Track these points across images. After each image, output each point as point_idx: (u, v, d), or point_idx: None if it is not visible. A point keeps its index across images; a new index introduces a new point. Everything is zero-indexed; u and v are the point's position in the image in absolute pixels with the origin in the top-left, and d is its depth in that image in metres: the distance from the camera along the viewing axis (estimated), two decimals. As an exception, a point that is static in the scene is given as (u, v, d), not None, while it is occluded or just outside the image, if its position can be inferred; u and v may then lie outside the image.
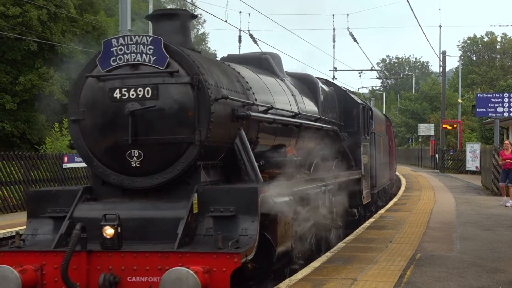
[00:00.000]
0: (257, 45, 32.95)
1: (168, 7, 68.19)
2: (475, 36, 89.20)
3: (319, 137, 14.01)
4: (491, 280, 8.92)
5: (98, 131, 8.90)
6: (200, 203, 8.47)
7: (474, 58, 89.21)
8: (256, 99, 10.50)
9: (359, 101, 16.88)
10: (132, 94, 8.65)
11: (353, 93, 18.34)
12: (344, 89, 17.40)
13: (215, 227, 8.37)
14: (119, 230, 8.01)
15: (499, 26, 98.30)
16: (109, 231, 8.00)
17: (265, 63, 12.79)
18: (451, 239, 12.64)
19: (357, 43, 41.70)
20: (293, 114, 12.07)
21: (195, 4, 64.79)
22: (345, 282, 8.74)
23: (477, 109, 35.78)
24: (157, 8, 57.48)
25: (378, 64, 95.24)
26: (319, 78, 15.57)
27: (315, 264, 10.14)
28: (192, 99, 8.61)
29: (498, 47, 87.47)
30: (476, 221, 15.91)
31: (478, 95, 35.58)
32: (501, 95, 32.94)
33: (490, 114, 33.98)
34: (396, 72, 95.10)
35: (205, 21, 72.45)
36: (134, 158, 8.71)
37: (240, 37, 34.90)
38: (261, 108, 10.57)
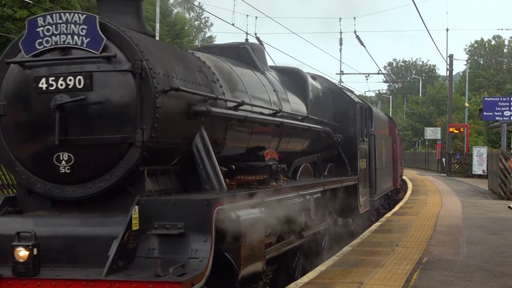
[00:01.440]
0: (264, 48, 31.46)
1: (175, 10, 66.91)
2: (482, 39, 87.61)
3: (307, 138, 12.21)
4: (497, 284, 8.78)
5: (21, 129, 7.13)
6: (142, 218, 6.71)
7: (481, 62, 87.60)
8: (224, 93, 8.71)
9: (356, 99, 15.03)
10: (61, 84, 6.88)
11: (350, 91, 16.39)
12: (340, 86, 15.52)
13: (159, 248, 6.64)
14: (34, 252, 6.25)
15: (507, 29, 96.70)
16: (22, 253, 6.24)
17: (243, 54, 10.98)
18: (458, 243, 12.44)
19: (364, 46, 40.98)
20: (273, 111, 10.25)
21: (203, 7, 63.52)
22: (352, 286, 8.59)
23: (484, 113, 35.44)
24: (164, 11, 56.15)
25: (385, 67, 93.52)
26: (311, 74, 13.73)
27: (321, 267, 9.87)
28: (134, 90, 6.84)
29: (505, 50, 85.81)
30: (482, 225, 15.64)
31: (485, 98, 35.08)
32: (508, 98, 32.59)
33: (497, 118, 33.73)
34: (403, 75, 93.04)
35: (212, 24, 71.05)
36: (63, 162, 6.94)
37: (247, 40, 33.21)
38: (230, 104, 8.78)
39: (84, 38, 6.88)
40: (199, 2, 68.66)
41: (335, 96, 14.50)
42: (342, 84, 43.13)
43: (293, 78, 12.36)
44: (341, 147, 14.15)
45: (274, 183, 8.97)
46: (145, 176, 7.00)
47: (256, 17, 41.93)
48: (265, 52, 12.05)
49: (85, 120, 6.86)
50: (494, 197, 25.78)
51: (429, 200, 23.37)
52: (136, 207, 6.68)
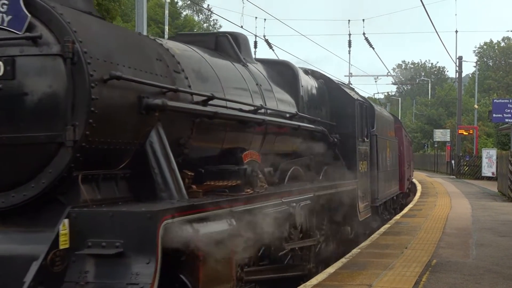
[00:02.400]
0: (273, 50, 31.45)
1: (184, 13, 65.63)
2: (491, 41, 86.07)
3: (298, 139, 10.82)
4: (507, 286, 8.61)
5: None
6: (74, 234, 5.35)
7: (491, 64, 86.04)
8: (190, 86, 7.35)
9: (355, 97, 13.60)
10: (-24, 72, 5.53)
11: (350, 88, 14.93)
12: (338, 82, 14.06)
13: (94, 271, 5.29)
14: None
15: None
16: None
17: (222, 44, 9.58)
18: (467, 245, 12.20)
19: (373, 48, 39.27)
20: (255, 108, 8.87)
21: (211, 10, 62.23)
22: (360, 289, 8.27)
23: (494, 115, 35.91)
24: (173, 14, 54.71)
25: (393, 69, 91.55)
26: (304, 68, 12.33)
27: (330, 270, 9.59)
28: (64, 78, 5.49)
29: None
30: (492, 227, 15.30)
31: (495, 100, 34.34)
32: (517, 100, 31.33)
33: (506, 120, 33.25)
34: (412, 77, 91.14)
35: (221, 26, 69.60)
36: (-21, 166, 5.59)
37: (255, 43, 32.53)
38: (197, 98, 7.40)
39: (4, 15, 5.56)
40: (208, 5, 67.48)
41: (332, 93, 13.09)
42: (351, 85, 42.16)
43: (281, 72, 10.98)
44: (338, 148, 12.75)
45: (249, 190, 7.58)
46: (79, 183, 5.63)
47: (265, 19, 41.56)
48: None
49: (5, 114, 5.52)
50: (504, 199, 25.24)
51: (438, 202, 22.88)
52: (66, 220, 5.35)
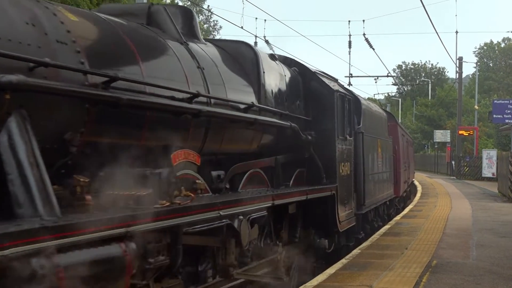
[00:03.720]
0: (273, 51, 29.52)
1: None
2: (491, 42, 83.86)
3: (258, 135, 8.74)
4: (507, 287, 8.46)
5: None
6: None
7: (491, 64, 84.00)
8: (83, 62, 5.26)
9: (335, 87, 11.42)
10: None
11: (333, 78, 12.70)
12: (315, 70, 11.74)
13: None
14: None
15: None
16: None
17: (156, 17, 7.46)
18: (467, 246, 12.02)
19: (373, 49, 37.66)
20: (190, 96, 6.76)
21: (211, 11, 60.30)
22: (360, 290, 8.17)
23: (494, 116, 35.42)
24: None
25: (394, 70, 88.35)
26: (271, 53, 10.18)
27: (330, 271, 9.38)
28: None
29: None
30: (492, 228, 14.99)
31: (495, 101, 34.47)
32: (517, 101, 31.58)
33: (507, 121, 33.18)
34: (412, 78, 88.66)
35: (221, 27, 67.61)
36: None
37: (255, 43, 31.58)
38: (97, 79, 5.31)
39: None
40: (208, 5, 65.41)
41: (307, 83, 10.99)
42: (351, 87, 40.06)
43: (238, 55, 8.87)
44: (314, 147, 10.63)
45: (165, 201, 5.49)
46: None
47: (265, 20, 40.68)
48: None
49: None
50: (504, 200, 24.78)
51: (438, 203, 22.45)
52: None
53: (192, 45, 7.66)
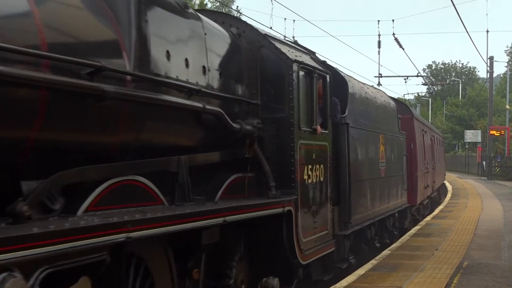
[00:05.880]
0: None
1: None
2: (523, 41, 78.18)
3: (131, 122, 4.83)
4: None
5: None
6: None
7: (523, 63, 77.88)
8: None
9: (293, 57, 7.24)
10: None
11: (303, 49, 8.57)
12: (268, 34, 7.49)
13: None
14: None
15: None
16: None
17: None
18: (499, 247, 11.24)
19: (403, 49, 34.69)
20: None
21: (240, 11, 56.66)
22: (390, 291, 7.76)
23: None
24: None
25: (424, 70, 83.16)
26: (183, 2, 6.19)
27: (360, 271, 8.79)
28: None
29: (547, 51, 75.76)
30: None
31: None
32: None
33: None
34: (443, 78, 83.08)
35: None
36: None
37: None
38: None
39: None
40: (237, 6, 61.86)
41: (254, 50, 7.05)
42: (379, 86, 36.01)
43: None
44: (262, 143, 6.73)
45: None
46: None
47: (294, 20, 38.00)
48: None
49: None
50: None
51: (469, 204, 21.39)
52: None
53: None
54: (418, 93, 77.78)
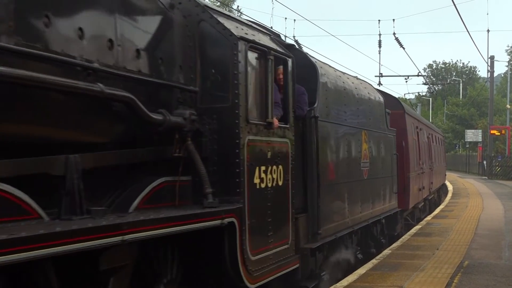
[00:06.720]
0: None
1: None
2: (524, 41, 76.49)
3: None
4: None
5: None
6: None
7: (523, 63, 76.15)
8: None
9: (238, 33, 5.71)
10: None
11: (269, 32, 7.08)
12: (205, 5, 5.85)
13: None
14: None
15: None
16: None
17: None
18: (500, 246, 11.04)
19: (403, 48, 33.23)
20: None
21: (241, 11, 55.32)
22: (391, 290, 7.60)
23: None
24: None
25: (424, 69, 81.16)
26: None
27: (361, 271, 8.62)
28: None
29: (548, 51, 73.91)
30: None
31: None
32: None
33: None
34: (443, 77, 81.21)
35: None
36: None
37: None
38: None
39: None
40: (238, 6, 60.68)
41: (191, 26, 5.59)
42: (380, 86, 34.63)
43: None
44: (196, 139, 5.31)
45: None
46: None
47: (294, 20, 37.44)
48: None
49: None
50: None
51: (470, 203, 21.05)
52: None
53: None
54: (418, 92, 76.06)
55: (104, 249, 4.01)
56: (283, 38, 25.39)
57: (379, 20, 36.46)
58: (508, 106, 49.20)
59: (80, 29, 4.20)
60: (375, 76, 43.44)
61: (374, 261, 9.41)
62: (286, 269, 6.39)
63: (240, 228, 5.40)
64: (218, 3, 50.23)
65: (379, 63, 36.95)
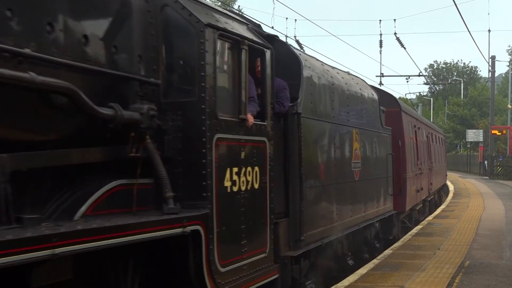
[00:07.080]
0: (303, 51, 24.89)
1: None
2: (525, 41, 75.84)
3: None
4: None
5: None
6: None
7: (524, 63, 75.41)
8: None
9: (206, 20, 5.03)
10: None
11: (245, 21, 6.46)
12: None
13: None
14: None
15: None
16: None
17: None
18: (501, 246, 10.99)
19: (404, 48, 33.08)
20: None
21: (242, 11, 54.68)
22: (392, 290, 7.56)
23: None
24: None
25: (425, 69, 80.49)
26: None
27: (362, 271, 8.60)
28: None
29: (549, 51, 73.16)
30: None
31: None
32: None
33: None
34: (444, 77, 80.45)
35: (251, 29, 61.93)
36: None
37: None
38: None
39: None
40: (239, 6, 60.14)
41: (153, 12, 4.98)
42: (382, 86, 34.05)
43: None
44: (157, 138, 4.70)
45: None
46: None
47: (295, 20, 37.18)
48: None
49: None
50: None
51: (471, 203, 20.92)
52: None
53: None
54: (419, 92, 75.29)
55: (35, 264, 3.41)
56: (283, 38, 24.71)
57: (380, 20, 36.11)
58: (509, 106, 48.48)
59: (10, 9, 3.59)
60: (376, 76, 43.18)
61: (375, 261, 9.37)
62: (263, 280, 5.76)
63: (206, 236, 4.78)
64: (219, 3, 49.85)
65: (380, 63, 36.60)
